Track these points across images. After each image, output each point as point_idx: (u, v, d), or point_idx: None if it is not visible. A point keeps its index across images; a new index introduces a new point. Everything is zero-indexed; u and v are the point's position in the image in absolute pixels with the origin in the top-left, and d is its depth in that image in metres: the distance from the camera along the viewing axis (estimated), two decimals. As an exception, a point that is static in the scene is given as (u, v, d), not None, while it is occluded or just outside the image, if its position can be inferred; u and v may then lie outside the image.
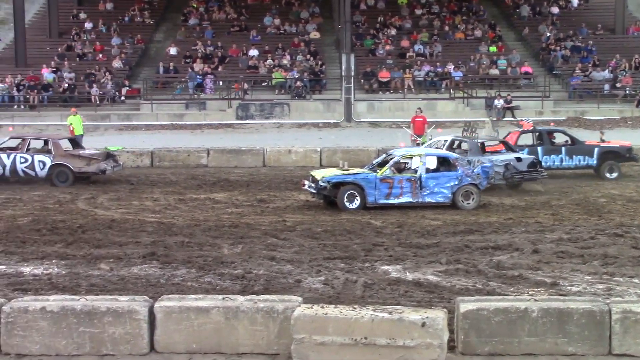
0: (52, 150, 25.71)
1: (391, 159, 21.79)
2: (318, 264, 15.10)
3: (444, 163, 21.85)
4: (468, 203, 21.07)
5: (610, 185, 24.95)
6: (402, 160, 21.85)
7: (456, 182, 21.05)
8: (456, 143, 25.90)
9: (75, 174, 25.52)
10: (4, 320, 10.30)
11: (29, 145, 26.09)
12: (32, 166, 25.46)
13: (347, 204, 20.82)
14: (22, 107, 44.40)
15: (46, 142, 26.72)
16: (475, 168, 21.45)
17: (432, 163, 21.90)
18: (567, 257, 15.56)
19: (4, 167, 25.52)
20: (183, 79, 45.69)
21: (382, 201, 20.92)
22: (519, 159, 23.98)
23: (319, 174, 21.53)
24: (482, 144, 26.32)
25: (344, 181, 20.95)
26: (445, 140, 26.29)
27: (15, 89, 44.76)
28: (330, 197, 21.05)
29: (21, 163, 25.46)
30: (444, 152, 22.76)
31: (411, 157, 21.88)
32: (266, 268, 14.79)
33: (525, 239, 17.02)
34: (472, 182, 21.14)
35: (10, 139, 27.16)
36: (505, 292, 13.19)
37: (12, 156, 25.54)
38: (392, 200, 20.96)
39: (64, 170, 25.49)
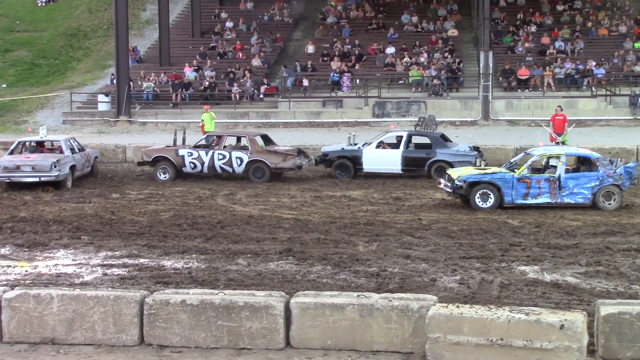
0: (249, 147, 26.35)
1: (529, 158, 21.42)
2: (453, 263, 15.01)
3: (584, 163, 21.36)
4: (609, 204, 20.50)
5: None
6: (540, 160, 21.46)
7: (597, 183, 20.51)
8: (412, 138, 26.67)
9: (271, 170, 26.07)
10: (146, 312, 10.63)
11: (225, 142, 26.82)
12: (229, 162, 26.14)
13: (479, 203, 20.59)
14: (169, 104, 45.52)
15: (240, 139, 27.43)
16: (617, 168, 20.84)
17: (574, 163, 21.45)
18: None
19: (202, 164, 26.30)
20: (320, 77, 46.09)
21: (520, 201, 20.58)
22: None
23: (455, 172, 21.35)
24: (443, 135, 26.35)
25: (480, 180, 20.72)
26: (400, 136, 26.24)
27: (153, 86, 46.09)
28: (466, 196, 20.86)
29: (219, 160, 26.17)
30: (584, 151, 22.25)
31: (550, 157, 21.45)
32: (401, 266, 14.79)
33: (669, 242, 16.48)
34: (614, 182, 20.55)
35: (207, 136, 27.94)
36: (648, 296, 12.80)
37: (210, 153, 26.28)
38: (530, 201, 20.59)
39: (261, 167, 26.08)
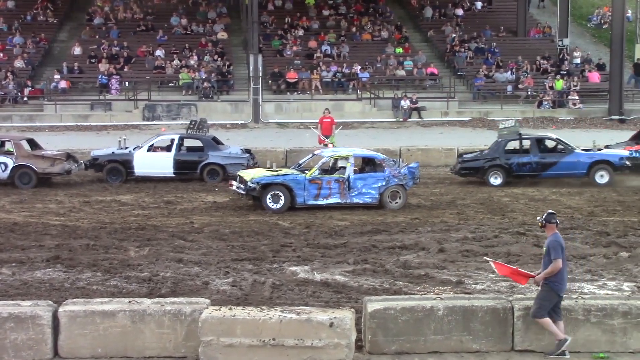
0: (14, 152, 25.03)
1: (319, 159, 21.89)
2: (226, 265, 15.08)
3: (370, 164, 22.07)
4: (396, 202, 21.34)
5: (514, 185, 25.43)
6: (329, 161, 21.97)
7: (384, 183, 21.29)
8: (184, 141, 26.93)
9: (39, 175, 24.91)
10: None
11: None
12: None
13: (270, 204, 20.81)
14: None
15: (4, 143, 26.00)
16: (401, 169, 21.72)
17: (360, 164, 22.06)
18: (472, 255, 15.84)
19: None
20: (88, 80, 44.98)
21: (311, 202, 21.00)
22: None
23: (247, 174, 21.49)
24: (215, 138, 27.35)
25: (273, 182, 20.95)
26: (172, 139, 26.83)
27: None
28: (259, 197, 21.02)
29: None
30: (371, 153, 23.06)
31: (339, 158, 22.02)
32: (173, 270, 14.69)
33: (431, 238, 17.27)
34: (399, 182, 21.40)
35: None
36: (411, 291, 13.37)
37: None
38: (321, 202, 21.06)
39: (27, 172, 24.86)
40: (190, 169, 26.17)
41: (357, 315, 10.87)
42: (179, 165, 26.16)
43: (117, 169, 26.03)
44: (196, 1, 54.25)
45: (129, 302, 10.77)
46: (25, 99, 43.92)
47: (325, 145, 28.98)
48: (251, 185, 20.83)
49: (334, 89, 45.46)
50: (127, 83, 44.80)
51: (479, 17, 54.23)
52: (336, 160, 22.09)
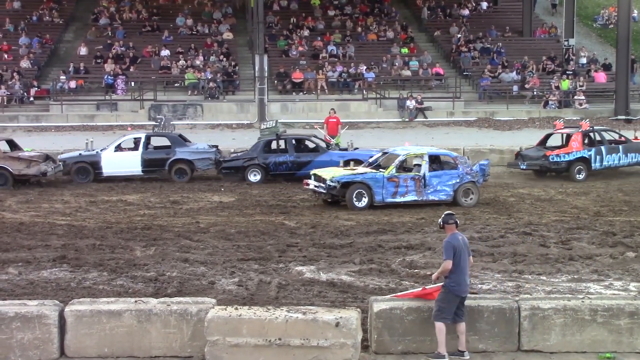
0: None
1: (394, 157, 21.96)
2: (232, 265, 15.08)
3: (444, 161, 22.17)
4: (470, 199, 21.59)
5: (519, 184, 25.45)
6: (405, 159, 22.10)
7: (457, 180, 21.52)
8: (151, 139, 27.25)
9: (15, 177, 24.91)
10: None
11: None
12: None
13: (355, 203, 20.98)
14: None
15: None
16: (473, 166, 21.88)
17: (434, 162, 22.10)
18: (478, 255, 15.81)
19: None
20: (94, 80, 45.04)
21: (389, 200, 21.21)
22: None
23: (326, 173, 21.62)
24: (181, 135, 27.88)
25: (353, 180, 21.09)
26: (138, 138, 27.19)
27: None
28: (336, 196, 21.17)
29: None
30: (445, 150, 23.28)
31: (415, 156, 22.12)
32: (179, 270, 14.70)
33: (437, 238, 17.24)
34: (472, 179, 21.57)
35: None
36: (417, 291, 13.33)
37: None
38: (399, 199, 21.27)
39: (3, 173, 24.81)
40: (159, 166, 26.57)
41: (363, 315, 10.86)
42: (146, 163, 26.52)
43: (85, 169, 26.18)
44: (202, 1, 54.27)
45: (135, 301, 10.77)
46: (32, 99, 43.98)
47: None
48: (331, 184, 21.02)
49: (340, 89, 45.45)
50: (132, 83, 44.81)
51: (484, 17, 54.21)
52: (409, 158, 22.21)
